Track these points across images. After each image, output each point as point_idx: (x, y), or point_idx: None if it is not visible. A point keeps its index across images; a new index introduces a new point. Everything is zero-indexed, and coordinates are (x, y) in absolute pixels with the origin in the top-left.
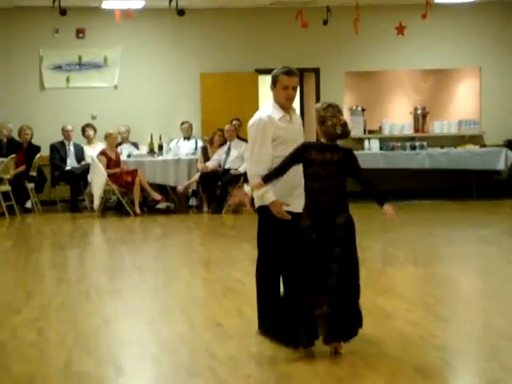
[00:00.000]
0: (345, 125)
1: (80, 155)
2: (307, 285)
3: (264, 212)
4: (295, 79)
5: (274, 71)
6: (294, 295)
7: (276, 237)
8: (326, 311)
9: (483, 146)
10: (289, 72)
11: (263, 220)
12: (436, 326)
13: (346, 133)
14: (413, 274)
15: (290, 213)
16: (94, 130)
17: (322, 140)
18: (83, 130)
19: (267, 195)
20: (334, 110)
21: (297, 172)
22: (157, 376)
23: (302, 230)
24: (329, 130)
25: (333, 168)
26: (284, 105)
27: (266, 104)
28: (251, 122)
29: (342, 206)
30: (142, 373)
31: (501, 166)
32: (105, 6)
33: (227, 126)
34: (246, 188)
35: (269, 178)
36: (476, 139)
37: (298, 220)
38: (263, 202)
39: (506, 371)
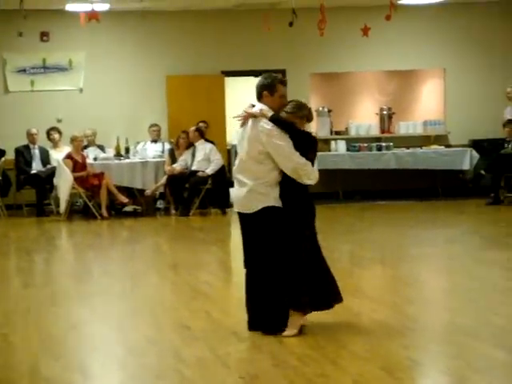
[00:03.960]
0: None
1: (45, 159)
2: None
3: (270, 213)
4: None
5: (268, 80)
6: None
7: (284, 237)
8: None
9: (448, 146)
10: (284, 82)
11: (270, 221)
12: (404, 325)
13: None
14: (380, 275)
15: (279, 208)
16: (60, 133)
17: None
18: (48, 133)
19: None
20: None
21: None
22: (123, 379)
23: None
24: (310, 114)
25: None
26: (278, 112)
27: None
28: (268, 127)
29: None
30: (108, 376)
31: (466, 165)
32: (69, 8)
33: (191, 129)
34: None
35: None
36: (441, 139)
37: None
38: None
39: (472, 370)
